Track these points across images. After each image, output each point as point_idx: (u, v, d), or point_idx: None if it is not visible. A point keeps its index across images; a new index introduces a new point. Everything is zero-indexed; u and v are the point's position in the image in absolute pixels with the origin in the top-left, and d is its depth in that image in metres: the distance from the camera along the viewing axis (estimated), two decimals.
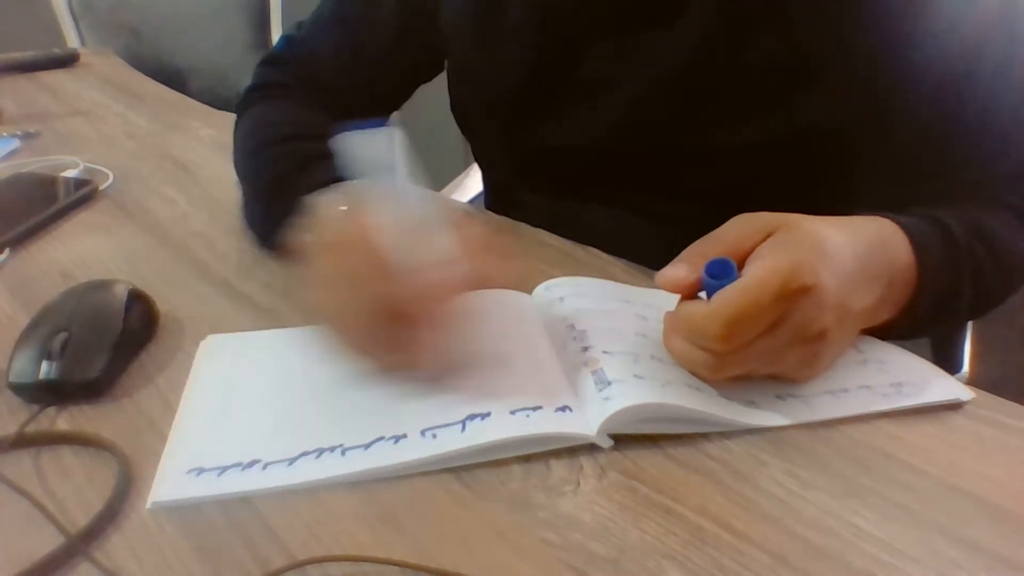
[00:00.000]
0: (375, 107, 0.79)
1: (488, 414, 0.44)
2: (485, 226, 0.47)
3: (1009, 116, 0.60)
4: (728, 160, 0.63)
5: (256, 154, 0.67)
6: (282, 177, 0.61)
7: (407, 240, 0.43)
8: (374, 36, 0.74)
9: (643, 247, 0.60)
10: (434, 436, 0.43)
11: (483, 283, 0.45)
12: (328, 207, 0.47)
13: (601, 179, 0.69)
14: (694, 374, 0.46)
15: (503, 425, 0.43)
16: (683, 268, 0.45)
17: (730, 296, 0.42)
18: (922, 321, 0.53)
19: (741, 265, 0.45)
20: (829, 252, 0.45)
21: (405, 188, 0.44)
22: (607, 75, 0.64)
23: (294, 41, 0.78)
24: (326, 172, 0.58)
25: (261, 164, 0.66)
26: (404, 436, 0.43)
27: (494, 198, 0.82)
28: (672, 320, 0.46)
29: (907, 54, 0.57)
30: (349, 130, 0.44)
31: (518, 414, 0.43)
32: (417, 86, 0.80)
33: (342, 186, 0.55)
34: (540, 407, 0.44)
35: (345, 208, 0.46)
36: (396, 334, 0.44)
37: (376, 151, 0.44)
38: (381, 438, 0.43)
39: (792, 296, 0.42)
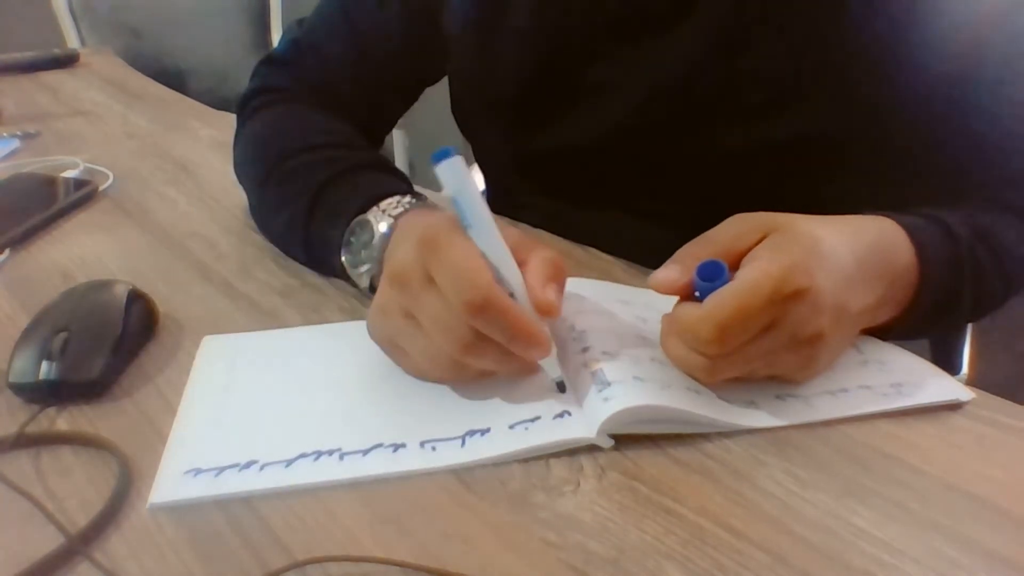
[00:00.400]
0: (380, 110, 0.79)
1: (488, 430, 0.44)
2: (550, 250, 0.46)
3: (1012, 118, 0.60)
4: (729, 163, 0.63)
5: (289, 159, 0.65)
6: (327, 186, 0.60)
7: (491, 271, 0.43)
8: (380, 39, 0.73)
9: (643, 248, 0.60)
10: (433, 449, 0.43)
11: (551, 313, 0.44)
12: (402, 236, 0.46)
13: (602, 181, 0.69)
14: (691, 377, 0.46)
15: (502, 441, 0.43)
16: (675, 269, 0.45)
17: (722, 299, 0.42)
18: (923, 321, 0.53)
19: (736, 266, 0.44)
20: (825, 254, 0.45)
21: (475, 216, 0.44)
22: (609, 80, 0.64)
23: (299, 43, 0.76)
24: (375, 184, 0.58)
25: (297, 170, 0.64)
26: (403, 445, 0.43)
27: (495, 199, 0.82)
28: (668, 322, 0.46)
29: (909, 58, 0.57)
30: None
31: (517, 428, 0.43)
32: (422, 89, 0.80)
33: (407, 208, 0.55)
34: (538, 417, 0.44)
35: (419, 239, 0.44)
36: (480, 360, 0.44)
37: (445, 179, 0.43)
38: (380, 445, 0.43)
39: (786, 299, 0.42)
